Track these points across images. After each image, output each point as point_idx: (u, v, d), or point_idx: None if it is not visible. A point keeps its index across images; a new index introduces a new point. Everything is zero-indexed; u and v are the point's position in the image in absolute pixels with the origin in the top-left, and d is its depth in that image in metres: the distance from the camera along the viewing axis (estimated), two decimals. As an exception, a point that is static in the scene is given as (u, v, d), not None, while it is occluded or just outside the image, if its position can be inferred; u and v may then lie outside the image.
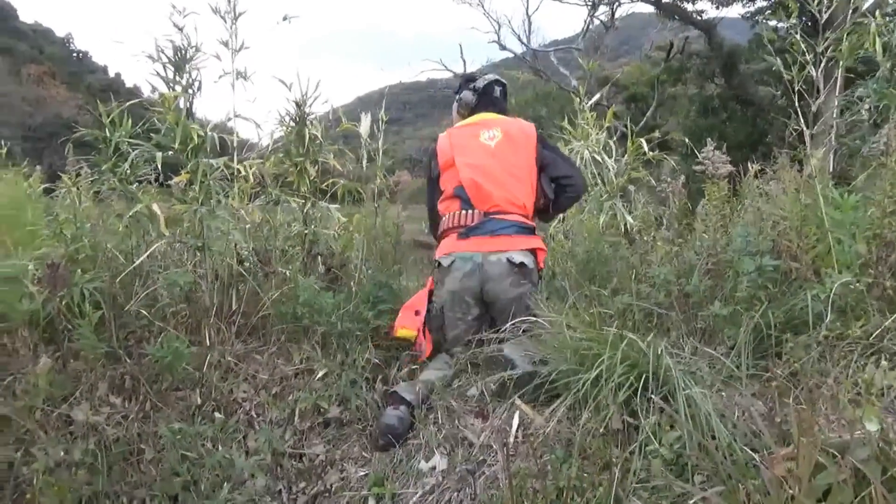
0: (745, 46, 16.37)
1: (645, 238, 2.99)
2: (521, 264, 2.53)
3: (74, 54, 78.15)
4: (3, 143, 3.83)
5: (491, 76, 3.01)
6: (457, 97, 3.01)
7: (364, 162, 3.33)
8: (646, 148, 3.11)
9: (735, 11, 16.42)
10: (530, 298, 2.46)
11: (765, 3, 15.40)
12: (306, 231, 2.93)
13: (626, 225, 3.03)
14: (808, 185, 2.46)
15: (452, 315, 2.61)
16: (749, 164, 3.21)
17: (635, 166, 3.14)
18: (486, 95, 2.93)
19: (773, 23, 14.16)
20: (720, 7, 16.43)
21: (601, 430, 1.71)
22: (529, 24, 20.73)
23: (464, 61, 20.81)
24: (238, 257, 2.70)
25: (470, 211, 2.61)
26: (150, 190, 2.50)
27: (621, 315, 2.36)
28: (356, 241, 3.23)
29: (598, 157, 3.11)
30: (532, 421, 1.99)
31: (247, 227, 2.82)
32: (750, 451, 1.46)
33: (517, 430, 2.00)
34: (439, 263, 2.65)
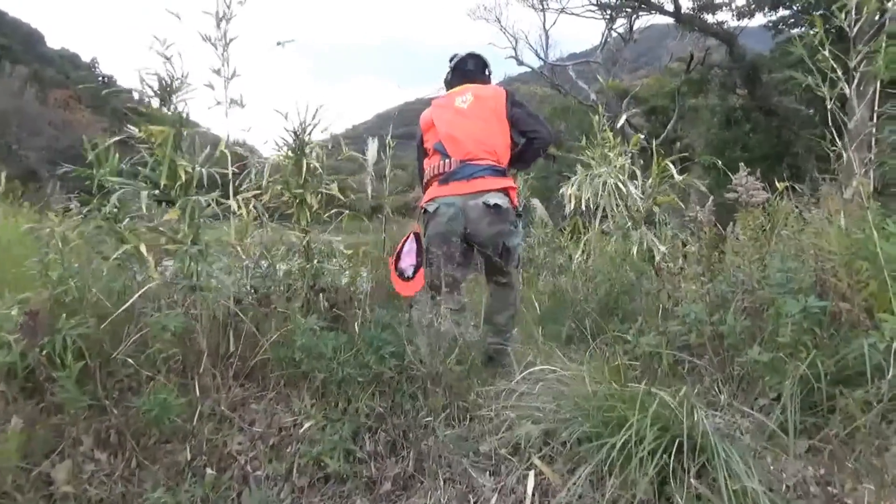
0: (767, 56, 16.04)
1: (672, 268, 2.75)
2: (496, 206, 2.86)
3: (100, 78, 79.89)
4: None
5: (465, 52, 3.36)
6: None
7: (369, 189, 3.20)
8: (673, 171, 2.88)
9: (756, 21, 16.14)
10: (511, 239, 2.93)
11: (787, 13, 15.07)
12: (308, 265, 2.75)
13: (652, 255, 2.80)
14: (852, 211, 2.23)
15: (438, 252, 2.80)
16: (776, 181, 2.96)
17: (661, 190, 2.92)
18: (459, 69, 3.31)
19: (796, 31, 13.81)
20: (741, 17, 16.14)
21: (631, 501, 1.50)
22: (547, 38, 20.73)
23: (481, 77, 20.72)
24: (235, 296, 2.52)
25: (448, 160, 2.94)
26: (138, 228, 2.33)
27: (648, 359, 2.14)
28: (361, 276, 3.09)
29: (623, 187, 2.93)
30: (550, 483, 1.79)
31: (245, 264, 2.64)
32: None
33: (533, 494, 1.80)
34: (425, 210, 3.00)
